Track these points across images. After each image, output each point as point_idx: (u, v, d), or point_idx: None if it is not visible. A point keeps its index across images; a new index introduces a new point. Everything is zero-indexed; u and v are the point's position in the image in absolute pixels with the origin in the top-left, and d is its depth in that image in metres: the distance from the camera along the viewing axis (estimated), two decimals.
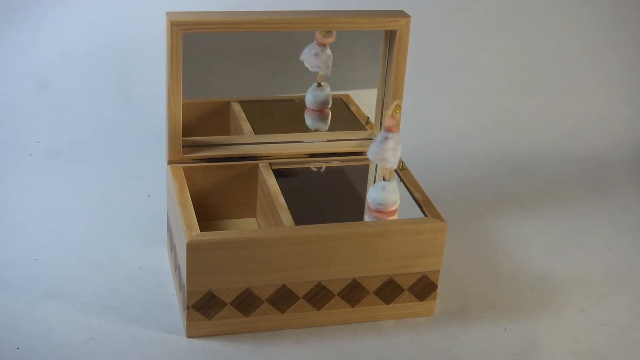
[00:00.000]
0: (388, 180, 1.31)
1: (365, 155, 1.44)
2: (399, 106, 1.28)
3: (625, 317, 1.36)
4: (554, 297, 1.39)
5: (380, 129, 1.46)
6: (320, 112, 1.52)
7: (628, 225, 1.62)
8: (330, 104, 1.52)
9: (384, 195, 1.30)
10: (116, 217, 1.53)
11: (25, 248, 1.42)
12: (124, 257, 1.42)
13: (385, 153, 1.28)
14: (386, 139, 1.29)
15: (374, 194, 1.31)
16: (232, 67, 1.50)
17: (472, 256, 1.49)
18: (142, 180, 1.64)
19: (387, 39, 1.41)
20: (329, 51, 1.46)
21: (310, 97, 1.51)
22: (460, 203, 1.65)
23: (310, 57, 1.46)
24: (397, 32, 1.38)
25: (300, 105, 1.55)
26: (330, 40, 1.45)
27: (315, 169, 1.44)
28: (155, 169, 1.64)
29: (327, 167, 1.44)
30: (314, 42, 1.46)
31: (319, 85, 1.51)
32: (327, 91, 1.51)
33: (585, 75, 2.06)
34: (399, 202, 1.32)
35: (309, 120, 1.52)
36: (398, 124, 1.29)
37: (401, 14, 1.38)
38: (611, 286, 1.43)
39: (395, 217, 1.32)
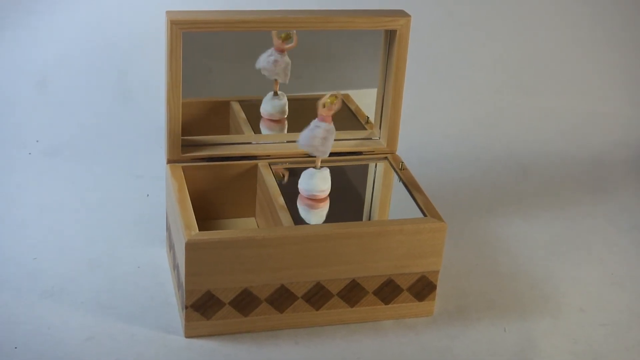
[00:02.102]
0: (319, 169, 1.34)
1: (364, 154, 1.44)
2: (335, 97, 1.30)
3: (624, 318, 1.36)
4: (553, 297, 1.39)
5: (380, 125, 1.46)
6: (277, 122, 1.50)
7: (627, 226, 1.62)
8: (287, 113, 1.50)
9: (313, 183, 1.33)
10: (115, 216, 1.53)
11: (24, 247, 1.42)
12: (122, 256, 1.41)
13: (314, 141, 1.31)
14: (317, 127, 1.32)
15: (304, 182, 1.33)
16: (232, 66, 1.50)
17: (471, 256, 1.48)
18: (141, 179, 1.64)
19: (387, 39, 1.41)
20: (287, 58, 1.45)
21: (267, 107, 1.50)
22: (460, 202, 1.65)
23: (269, 65, 1.45)
24: (397, 32, 1.38)
25: (299, 105, 1.55)
26: (291, 46, 1.43)
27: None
28: (154, 168, 1.64)
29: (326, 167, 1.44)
30: (272, 48, 1.45)
31: (276, 94, 1.50)
32: (284, 100, 1.50)
33: (585, 74, 2.06)
34: (329, 189, 1.34)
35: (265, 131, 1.50)
36: (331, 115, 1.32)
37: (401, 14, 1.38)
38: (610, 286, 1.43)
39: (326, 204, 1.34)
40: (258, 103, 1.54)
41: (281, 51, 1.44)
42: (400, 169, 1.41)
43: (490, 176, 1.76)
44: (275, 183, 1.36)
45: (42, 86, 1.85)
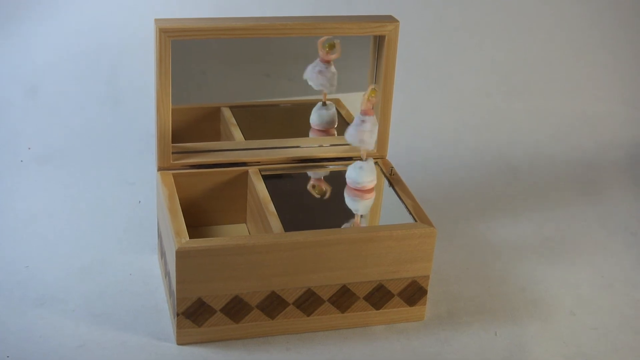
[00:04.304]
0: (365, 161, 1.36)
1: (354, 160, 1.45)
2: (374, 90, 1.33)
3: (615, 320, 1.36)
4: (543, 300, 1.39)
5: None
6: (325, 133, 1.51)
7: (618, 227, 1.62)
8: (336, 123, 1.51)
9: (361, 174, 1.35)
10: (107, 223, 1.53)
11: (16, 255, 1.42)
12: (114, 264, 1.41)
13: (362, 135, 1.35)
14: (363, 122, 1.35)
15: (352, 173, 1.36)
16: (224, 68, 1.50)
17: (462, 259, 1.49)
18: (132, 186, 1.64)
19: (376, 44, 1.41)
20: (333, 68, 1.46)
21: (315, 117, 1.51)
22: (450, 205, 1.65)
23: (314, 75, 1.46)
24: (386, 37, 1.38)
25: (290, 110, 1.55)
26: (335, 56, 1.44)
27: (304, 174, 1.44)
28: (146, 174, 1.64)
29: (316, 173, 1.44)
30: (317, 59, 1.45)
31: (324, 104, 1.50)
32: (333, 110, 1.51)
33: (574, 75, 2.06)
34: (375, 181, 1.37)
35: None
36: (374, 107, 1.35)
37: (389, 19, 1.38)
38: (600, 289, 1.44)
39: (372, 195, 1.36)
40: (249, 109, 1.55)
41: (326, 62, 1.45)
42: (390, 174, 1.41)
43: (481, 179, 1.77)
44: (266, 189, 1.36)
45: (33, 93, 1.85)
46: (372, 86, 1.33)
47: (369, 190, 1.37)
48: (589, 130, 1.96)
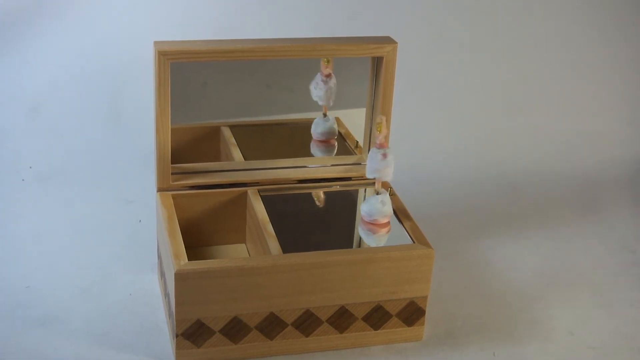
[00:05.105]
0: (380, 194, 1.34)
1: (353, 180, 1.45)
2: (379, 124, 1.31)
3: (613, 340, 1.36)
4: (542, 319, 1.40)
5: (369, 149, 1.47)
6: (327, 143, 1.52)
7: (617, 246, 1.62)
8: (337, 134, 1.52)
9: (375, 207, 1.33)
10: (107, 242, 1.53)
11: (16, 274, 1.43)
12: (114, 283, 1.42)
13: (385, 167, 1.32)
14: (382, 154, 1.32)
15: (365, 207, 1.34)
16: (225, 79, 1.49)
17: (461, 278, 1.49)
18: (133, 205, 1.65)
19: (375, 64, 1.42)
20: (333, 81, 1.46)
21: (316, 129, 1.51)
22: (449, 224, 1.66)
23: (321, 92, 1.47)
24: (384, 59, 1.39)
25: (290, 128, 1.56)
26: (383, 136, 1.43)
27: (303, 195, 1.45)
28: (146, 193, 1.64)
29: (315, 193, 1.45)
30: (318, 74, 1.46)
31: (325, 115, 1.51)
32: (333, 121, 1.51)
33: (574, 93, 2.06)
34: (390, 215, 1.34)
35: (315, 152, 1.52)
36: (387, 138, 1.33)
37: (387, 40, 1.39)
38: (599, 308, 1.44)
39: (387, 229, 1.34)
40: (249, 128, 1.55)
41: (327, 76, 1.45)
42: (389, 194, 1.41)
43: (480, 196, 1.77)
44: (264, 210, 1.36)
45: (35, 113, 1.86)
46: (380, 117, 1.32)
47: (384, 225, 1.35)
48: (589, 147, 1.96)
